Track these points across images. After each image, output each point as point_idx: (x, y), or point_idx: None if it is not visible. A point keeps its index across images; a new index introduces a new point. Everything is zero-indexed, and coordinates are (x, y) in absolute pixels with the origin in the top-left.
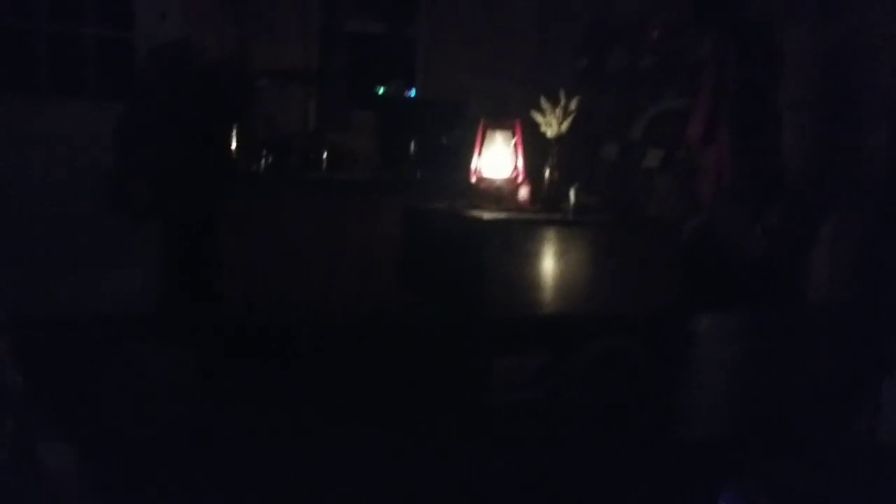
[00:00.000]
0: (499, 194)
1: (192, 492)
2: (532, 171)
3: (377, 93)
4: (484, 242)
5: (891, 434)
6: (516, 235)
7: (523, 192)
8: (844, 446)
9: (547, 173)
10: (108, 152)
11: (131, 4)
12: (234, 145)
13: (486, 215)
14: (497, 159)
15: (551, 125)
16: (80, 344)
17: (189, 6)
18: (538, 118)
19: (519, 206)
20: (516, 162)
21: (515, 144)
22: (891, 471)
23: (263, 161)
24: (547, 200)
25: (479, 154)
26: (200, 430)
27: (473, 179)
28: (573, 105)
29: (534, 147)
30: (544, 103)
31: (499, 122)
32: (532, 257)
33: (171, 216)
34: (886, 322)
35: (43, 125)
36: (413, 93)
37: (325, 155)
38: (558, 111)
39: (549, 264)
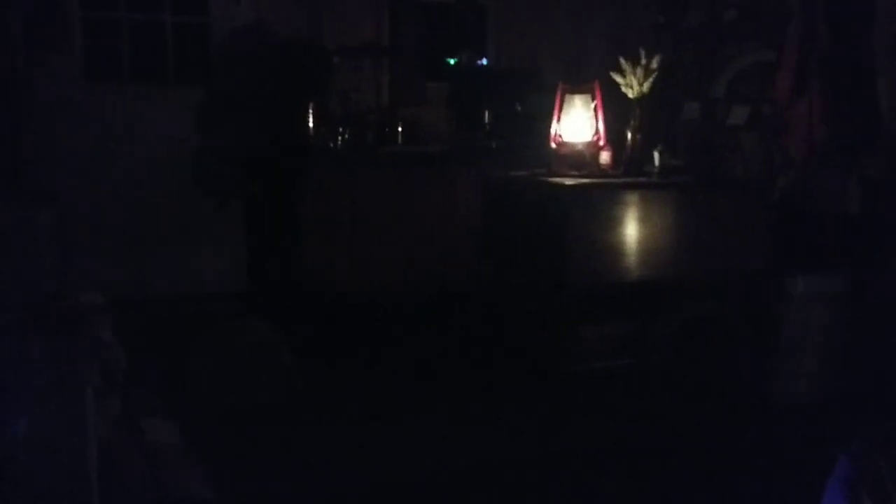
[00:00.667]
0: (580, 159)
1: (285, 462)
2: (613, 134)
3: (449, 63)
4: (567, 208)
5: None
6: (600, 200)
7: (605, 156)
8: None
9: (629, 136)
10: (190, 135)
11: None
12: (311, 123)
13: (569, 181)
14: (577, 123)
15: (632, 86)
16: (174, 322)
17: None
18: (618, 79)
19: (601, 171)
20: (597, 125)
21: (595, 107)
22: None
23: (340, 137)
24: (630, 163)
25: (559, 119)
26: (292, 402)
27: (553, 145)
28: (654, 64)
29: (614, 109)
30: (624, 63)
31: (577, 85)
32: (617, 222)
33: (253, 194)
34: None
35: (128, 111)
36: (485, 61)
37: (399, 128)
38: (639, 71)
39: (635, 229)
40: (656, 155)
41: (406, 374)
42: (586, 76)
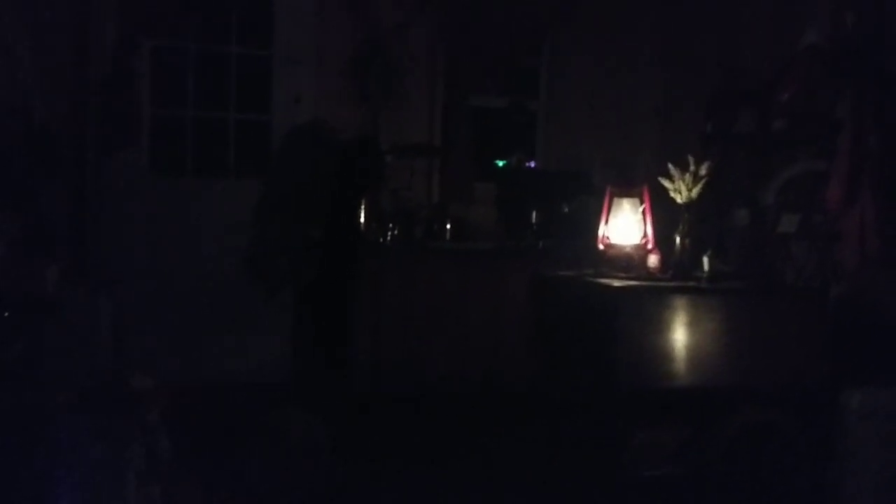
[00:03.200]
0: (628, 261)
1: None
2: (661, 238)
3: (498, 165)
4: (617, 310)
5: None
6: (650, 303)
7: (653, 259)
8: None
9: (678, 240)
10: (247, 227)
11: (269, 88)
12: (363, 218)
13: (617, 283)
14: (625, 226)
15: (681, 191)
16: (222, 411)
17: (321, 88)
18: (667, 184)
19: (649, 274)
20: (645, 228)
21: (644, 211)
22: None
23: (390, 233)
24: (678, 267)
25: (607, 221)
26: (334, 492)
27: (601, 246)
28: (703, 170)
29: (663, 213)
30: (672, 169)
31: (626, 188)
32: (667, 326)
33: (305, 286)
34: None
35: (189, 203)
36: (533, 164)
37: (448, 226)
38: (687, 176)
39: (685, 333)
40: (705, 260)
41: (452, 476)
42: (637, 180)
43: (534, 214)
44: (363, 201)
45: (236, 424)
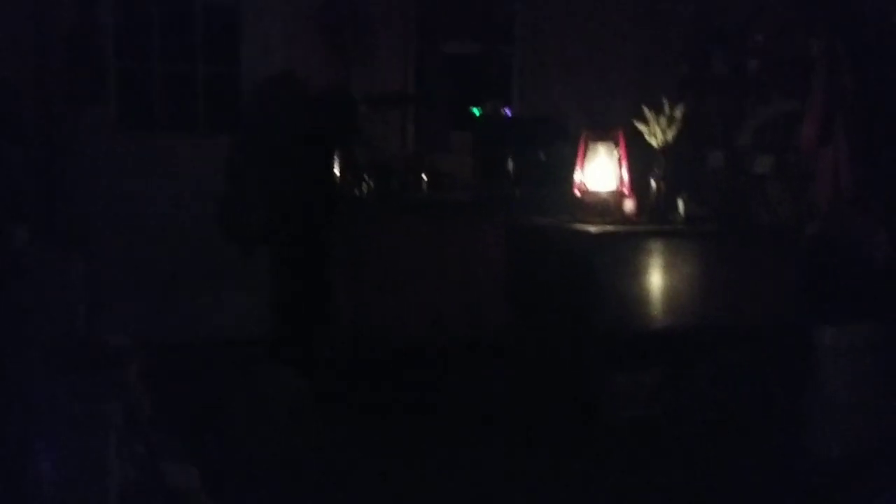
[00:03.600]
0: (604, 207)
1: None
2: (637, 182)
3: (474, 113)
4: (593, 256)
5: None
6: (626, 248)
7: (629, 204)
8: None
9: (653, 184)
10: (219, 182)
11: (238, 40)
12: (337, 170)
13: (593, 228)
14: (601, 172)
15: (656, 134)
16: (199, 369)
17: (291, 39)
18: (642, 128)
19: (625, 218)
20: (621, 173)
21: (619, 156)
22: None
23: (365, 185)
24: (654, 211)
25: (582, 167)
26: (314, 449)
27: (577, 193)
28: (678, 113)
29: (637, 157)
30: (647, 112)
31: (601, 133)
32: (643, 270)
33: (279, 241)
34: None
35: (159, 159)
36: (509, 111)
37: (424, 176)
38: (662, 120)
39: (661, 277)
40: (680, 203)
41: (433, 425)
42: (612, 125)
43: (510, 163)
44: (337, 154)
45: (216, 382)
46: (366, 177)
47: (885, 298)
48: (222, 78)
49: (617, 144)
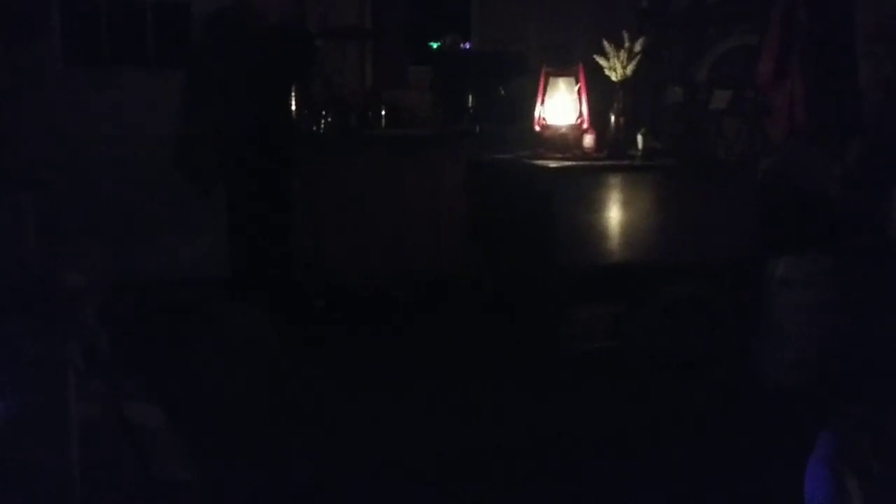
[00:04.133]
0: (564, 142)
1: (272, 448)
2: (596, 117)
3: (432, 47)
4: (552, 191)
5: None
6: (585, 183)
7: (589, 139)
8: None
9: (612, 119)
10: (171, 119)
11: None
12: (294, 106)
13: (553, 164)
14: (561, 106)
15: (615, 69)
16: (159, 308)
17: None
18: (601, 62)
19: (585, 154)
20: (581, 108)
21: (579, 90)
22: None
23: (323, 121)
24: (613, 146)
25: (542, 102)
26: (278, 387)
27: (537, 128)
28: (638, 47)
29: (598, 92)
30: (607, 46)
31: (561, 68)
32: (602, 205)
33: (236, 179)
34: None
35: (108, 95)
36: (468, 45)
37: (383, 112)
38: (622, 54)
39: (619, 211)
40: (639, 138)
41: (394, 360)
42: (571, 60)
43: (470, 98)
44: (293, 89)
45: (176, 319)
46: (323, 112)
47: (837, 231)
48: (172, 10)
49: (577, 79)
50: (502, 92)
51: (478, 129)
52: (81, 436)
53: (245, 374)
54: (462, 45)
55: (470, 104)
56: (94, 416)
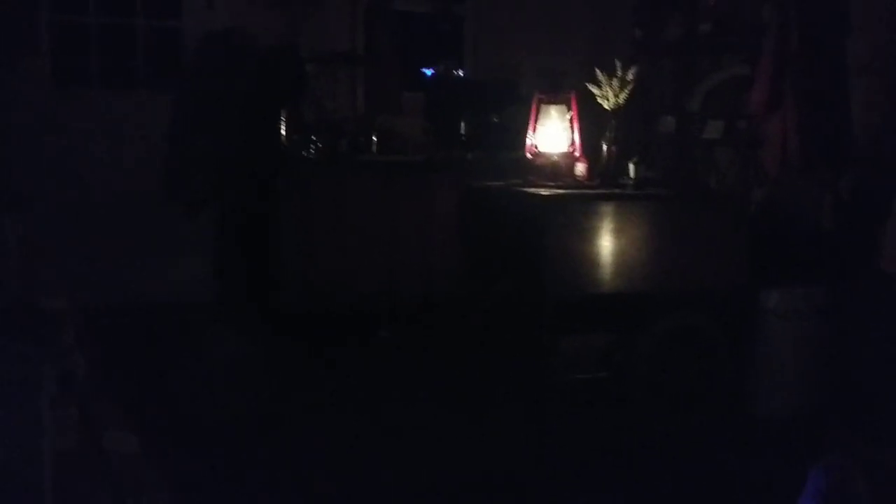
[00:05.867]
0: (556, 170)
1: (256, 476)
2: (589, 146)
3: (425, 74)
4: (544, 219)
5: None
6: (576, 211)
7: (581, 167)
8: None
9: (605, 147)
10: (162, 143)
11: None
12: (284, 130)
13: (544, 191)
14: (553, 134)
15: (608, 97)
16: (143, 332)
17: None
18: (594, 90)
19: (577, 182)
20: (572, 136)
21: (571, 118)
22: None
23: (313, 146)
24: (605, 175)
25: (534, 130)
26: (264, 414)
27: (529, 156)
28: (630, 76)
29: (590, 121)
30: (600, 75)
31: (553, 95)
32: (593, 233)
33: (226, 203)
34: None
35: (98, 116)
36: (461, 72)
37: (374, 138)
38: (615, 82)
39: (611, 240)
40: (631, 167)
41: (384, 387)
42: (563, 87)
43: (463, 125)
44: (284, 113)
45: (160, 344)
46: (314, 137)
47: (829, 263)
48: (163, 33)
49: (569, 107)
50: (495, 119)
51: (470, 156)
52: (55, 464)
53: (229, 398)
54: (455, 71)
55: (463, 131)
56: (69, 444)
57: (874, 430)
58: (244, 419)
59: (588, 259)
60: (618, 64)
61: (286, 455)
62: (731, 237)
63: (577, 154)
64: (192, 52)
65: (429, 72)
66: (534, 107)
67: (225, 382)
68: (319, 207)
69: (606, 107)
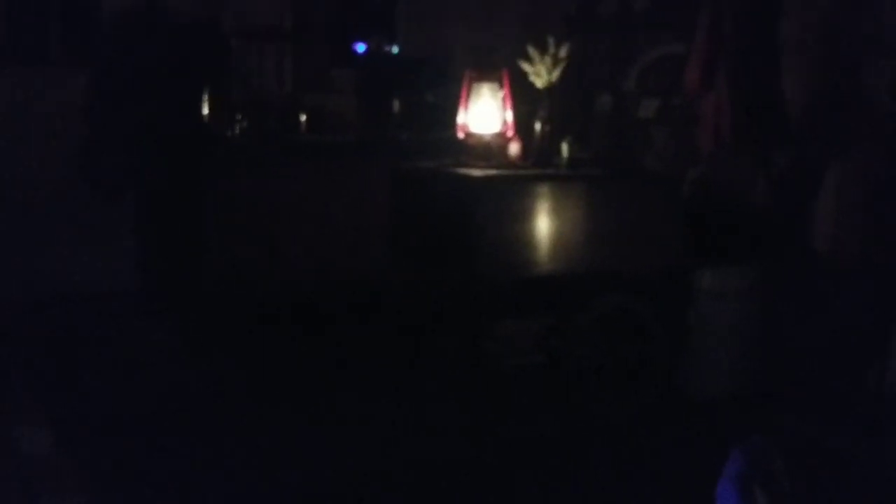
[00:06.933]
0: (488, 150)
1: (178, 471)
2: (523, 125)
3: (357, 50)
4: (475, 201)
5: None
6: (508, 193)
7: (514, 147)
8: (854, 399)
9: (538, 126)
10: (77, 122)
11: None
12: (207, 109)
13: (476, 173)
14: (485, 113)
15: (540, 74)
16: (57, 324)
17: None
18: (526, 67)
19: (510, 162)
20: (505, 115)
21: (504, 97)
22: None
23: (239, 125)
24: (538, 155)
25: (466, 108)
26: (187, 406)
27: (461, 135)
28: (563, 52)
29: (524, 100)
30: (532, 51)
31: (485, 73)
32: (526, 215)
33: (146, 185)
34: (894, 271)
35: (6, 94)
36: (395, 49)
37: (303, 117)
38: (547, 59)
39: (544, 222)
40: (565, 147)
41: (315, 373)
42: (495, 64)
43: (396, 104)
44: (207, 91)
45: (76, 336)
46: (239, 116)
47: (761, 242)
48: (78, 5)
49: (501, 85)
50: (429, 98)
51: (404, 135)
52: None
53: (154, 393)
54: (389, 48)
55: (396, 110)
56: None
57: (803, 409)
58: (165, 412)
59: (522, 241)
60: (550, 40)
61: (203, 450)
62: (665, 217)
63: (509, 134)
64: (108, 25)
65: (360, 48)
66: (465, 85)
67: (146, 374)
68: (244, 190)
69: (539, 85)
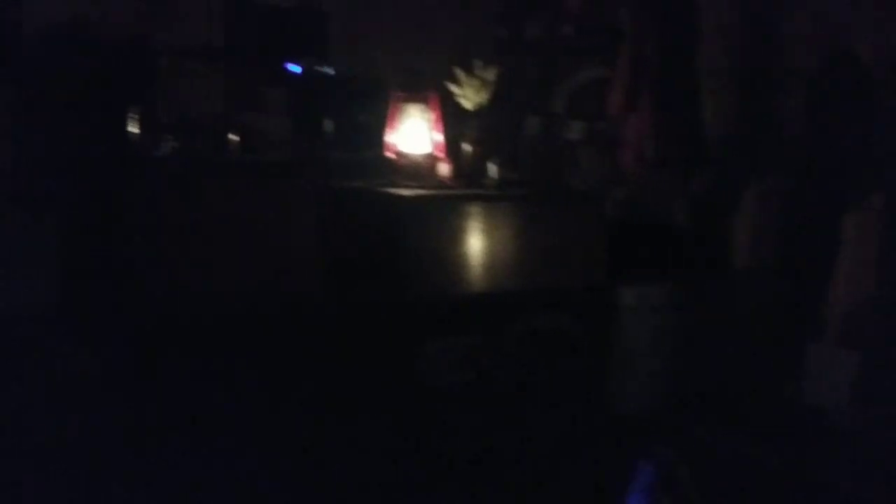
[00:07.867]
0: (417, 170)
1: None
2: (453, 146)
3: (288, 70)
4: (403, 221)
5: (817, 397)
6: (437, 213)
7: (444, 168)
8: (772, 411)
9: (465, 147)
10: None
11: None
12: (134, 130)
13: (405, 192)
14: (414, 134)
15: (468, 96)
16: None
17: None
18: (454, 89)
19: (440, 182)
20: (433, 136)
21: (432, 118)
22: (817, 433)
23: (166, 145)
24: (467, 175)
25: (394, 129)
26: (108, 431)
27: (390, 155)
28: (490, 75)
29: (454, 121)
30: (459, 74)
31: (413, 94)
32: (454, 235)
33: (68, 208)
34: (810, 287)
35: None
36: (327, 69)
37: (233, 137)
38: (475, 81)
39: (472, 241)
40: (492, 167)
41: (241, 397)
42: (426, 85)
43: (328, 124)
44: (134, 110)
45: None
46: (168, 136)
47: (681, 261)
48: (1, 22)
49: (430, 106)
50: (362, 118)
51: (336, 155)
52: None
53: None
54: (323, 68)
55: (328, 130)
56: None
57: (719, 420)
58: (90, 436)
59: (451, 261)
60: (477, 63)
61: (132, 472)
62: (589, 236)
63: (439, 154)
64: (31, 42)
65: (293, 68)
66: (392, 106)
67: (67, 398)
68: (172, 211)
69: (467, 106)
